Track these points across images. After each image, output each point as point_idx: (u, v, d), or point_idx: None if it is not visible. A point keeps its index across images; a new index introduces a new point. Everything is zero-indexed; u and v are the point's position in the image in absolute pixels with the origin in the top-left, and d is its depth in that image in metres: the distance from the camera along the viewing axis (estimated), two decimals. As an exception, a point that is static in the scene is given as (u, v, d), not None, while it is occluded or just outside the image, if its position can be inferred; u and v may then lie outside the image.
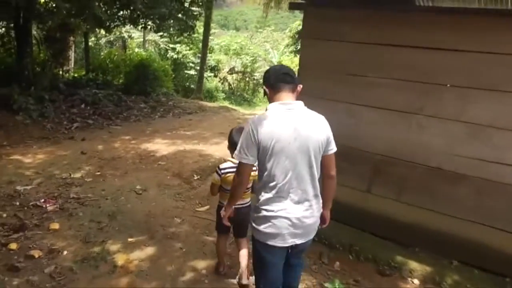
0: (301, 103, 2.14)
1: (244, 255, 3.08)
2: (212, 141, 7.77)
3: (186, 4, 10.39)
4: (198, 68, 17.92)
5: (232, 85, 22.93)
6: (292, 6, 4.14)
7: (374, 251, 3.64)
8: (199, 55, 18.35)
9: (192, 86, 19.15)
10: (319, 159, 2.15)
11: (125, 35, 23.57)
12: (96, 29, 12.56)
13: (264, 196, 2.11)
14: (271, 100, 2.16)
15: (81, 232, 3.86)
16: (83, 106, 9.50)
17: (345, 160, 3.98)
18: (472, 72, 3.21)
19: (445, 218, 3.51)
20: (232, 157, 2.78)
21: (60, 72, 12.16)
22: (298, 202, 2.10)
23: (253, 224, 2.20)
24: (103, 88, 11.20)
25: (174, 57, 20.80)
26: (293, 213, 2.09)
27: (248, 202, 3.01)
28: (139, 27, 11.09)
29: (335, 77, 3.87)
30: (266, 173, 2.08)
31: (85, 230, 3.89)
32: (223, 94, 21.10)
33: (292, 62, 25.07)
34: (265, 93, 2.21)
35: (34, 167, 5.67)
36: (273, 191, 2.08)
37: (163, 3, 8.99)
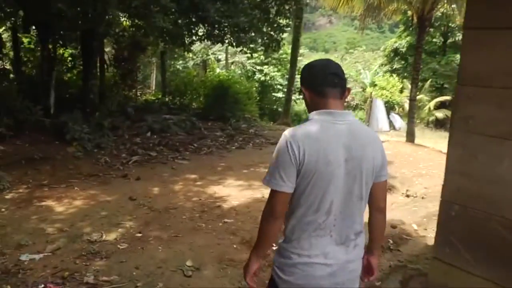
0: (351, 113, 1.57)
1: None
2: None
3: (271, 15, 8.75)
4: (285, 90, 16.84)
5: (321, 108, 21.28)
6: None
7: None
8: (287, 76, 17.25)
9: (279, 109, 18.08)
10: (369, 188, 1.57)
11: (212, 57, 23.28)
12: (175, 48, 11.51)
13: (298, 234, 1.53)
14: (312, 106, 1.58)
15: None
16: (148, 134, 8.26)
17: None
18: None
19: None
20: None
21: (135, 96, 11.25)
22: (341, 243, 1.55)
23: (278, 272, 1.58)
24: (177, 113, 9.97)
25: (261, 79, 20.09)
26: (336, 258, 1.53)
27: None
28: (216, 43, 9.77)
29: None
30: (304, 203, 1.50)
31: None
32: (312, 117, 19.58)
33: (388, 82, 22.96)
34: (302, 94, 1.65)
35: (62, 219, 4.30)
36: (311, 228, 1.51)
37: (243, 12, 7.43)
